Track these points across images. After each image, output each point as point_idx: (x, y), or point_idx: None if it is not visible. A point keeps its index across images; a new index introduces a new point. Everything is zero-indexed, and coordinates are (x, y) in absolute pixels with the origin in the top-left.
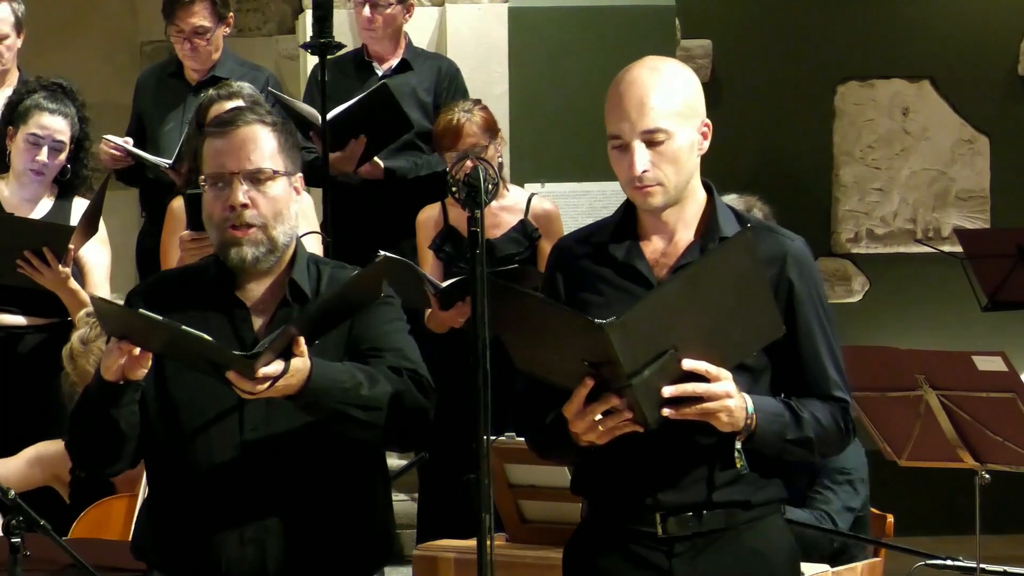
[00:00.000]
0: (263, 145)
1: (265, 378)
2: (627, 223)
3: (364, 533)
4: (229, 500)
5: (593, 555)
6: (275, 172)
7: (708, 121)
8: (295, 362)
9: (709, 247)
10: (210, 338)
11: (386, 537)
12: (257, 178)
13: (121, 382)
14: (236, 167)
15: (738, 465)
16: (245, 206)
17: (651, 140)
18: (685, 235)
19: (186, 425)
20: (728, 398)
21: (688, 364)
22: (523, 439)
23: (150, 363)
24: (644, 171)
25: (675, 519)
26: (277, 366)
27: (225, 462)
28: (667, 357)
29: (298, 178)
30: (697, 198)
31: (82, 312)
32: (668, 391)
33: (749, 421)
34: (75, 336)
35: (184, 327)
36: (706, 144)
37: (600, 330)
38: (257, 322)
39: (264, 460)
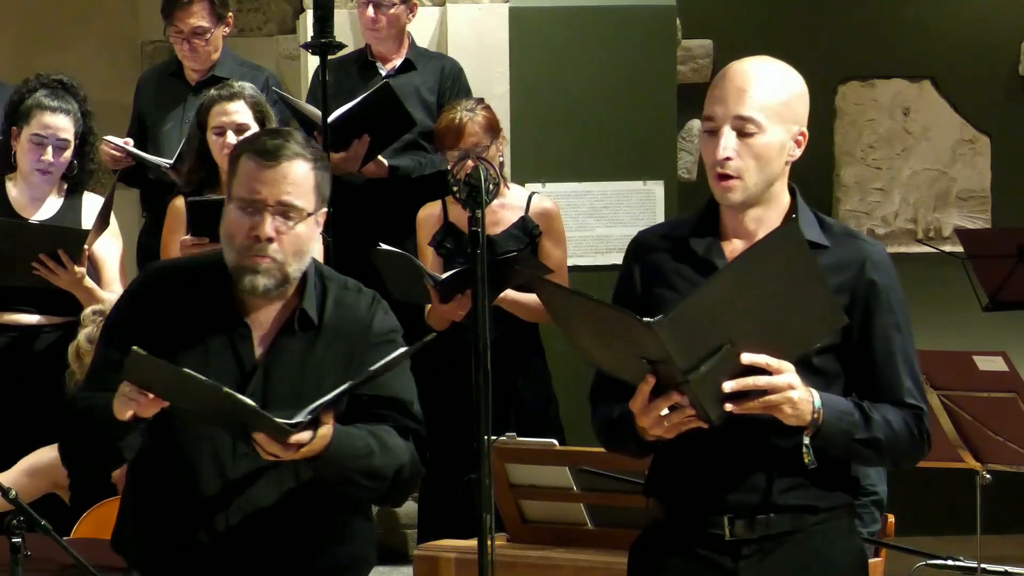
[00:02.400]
0: (301, 182)
1: (295, 444)
2: (709, 220)
3: (343, 546)
4: (218, 501)
5: (660, 556)
6: (306, 212)
7: (806, 132)
8: (322, 430)
9: None
10: (254, 404)
11: (365, 551)
12: (288, 215)
13: (132, 420)
14: (272, 199)
15: (806, 460)
16: (271, 240)
17: (741, 129)
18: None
19: (179, 426)
20: (791, 389)
21: (747, 358)
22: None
23: (163, 405)
24: (727, 157)
25: (742, 522)
26: (307, 434)
27: (218, 463)
28: (724, 352)
29: (322, 213)
30: (781, 203)
31: (88, 310)
32: (728, 386)
33: (816, 415)
34: (82, 334)
35: (228, 390)
36: (798, 152)
37: (649, 329)
38: (256, 343)
39: (256, 463)
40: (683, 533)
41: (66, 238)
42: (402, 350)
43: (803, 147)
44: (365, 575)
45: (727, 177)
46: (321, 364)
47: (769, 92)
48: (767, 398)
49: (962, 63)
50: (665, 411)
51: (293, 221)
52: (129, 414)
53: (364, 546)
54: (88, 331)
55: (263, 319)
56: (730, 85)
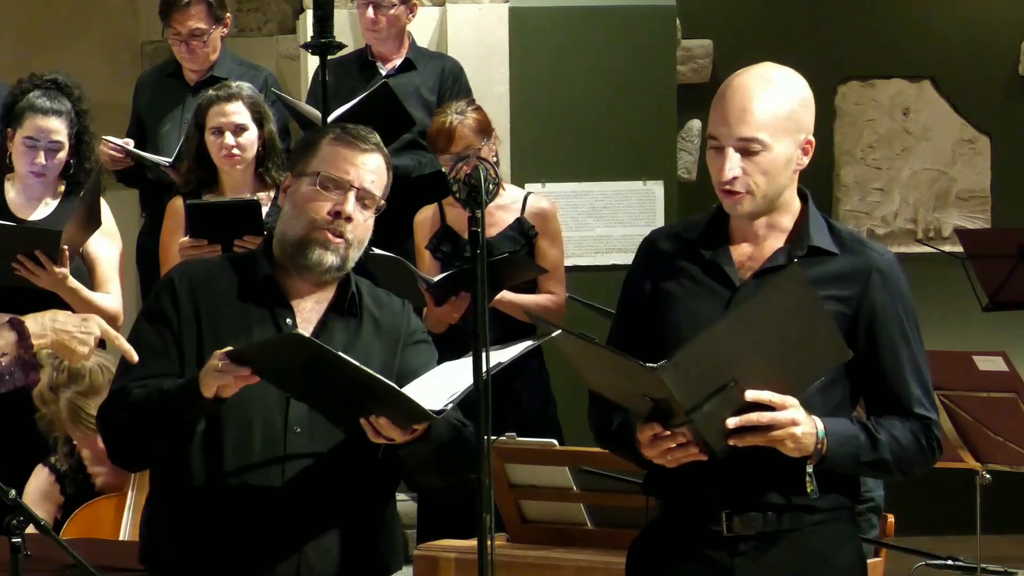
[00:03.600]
0: (383, 176)
1: (414, 429)
2: (718, 223)
3: (376, 541)
4: (266, 506)
5: (657, 553)
6: (380, 206)
7: (812, 139)
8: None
9: (796, 254)
10: (402, 390)
11: (395, 544)
12: (365, 203)
13: (215, 397)
14: (358, 182)
15: (808, 490)
16: (350, 219)
17: (746, 148)
18: (774, 242)
19: (228, 424)
20: (794, 425)
21: (751, 395)
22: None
23: (254, 382)
24: (734, 177)
25: (740, 518)
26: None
27: (265, 466)
28: (727, 390)
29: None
30: (791, 208)
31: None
32: (732, 422)
33: (820, 446)
34: (43, 381)
35: (381, 378)
36: (805, 160)
37: (652, 373)
38: (301, 325)
39: (303, 465)
40: (681, 530)
41: (41, 238)
42: (529, 342)
43: (811, 154)
44: (394, 569)
45: (734, 192)
46: (368, 351)
47: (773, 108)
48: (770, 434)
49: (962, 63)
50: (672, 445)
51: (368, 210)
52: (215, 388)
53: (394, 553)
54: (49, 377)
55: (306, 305)
56: (732, 105)
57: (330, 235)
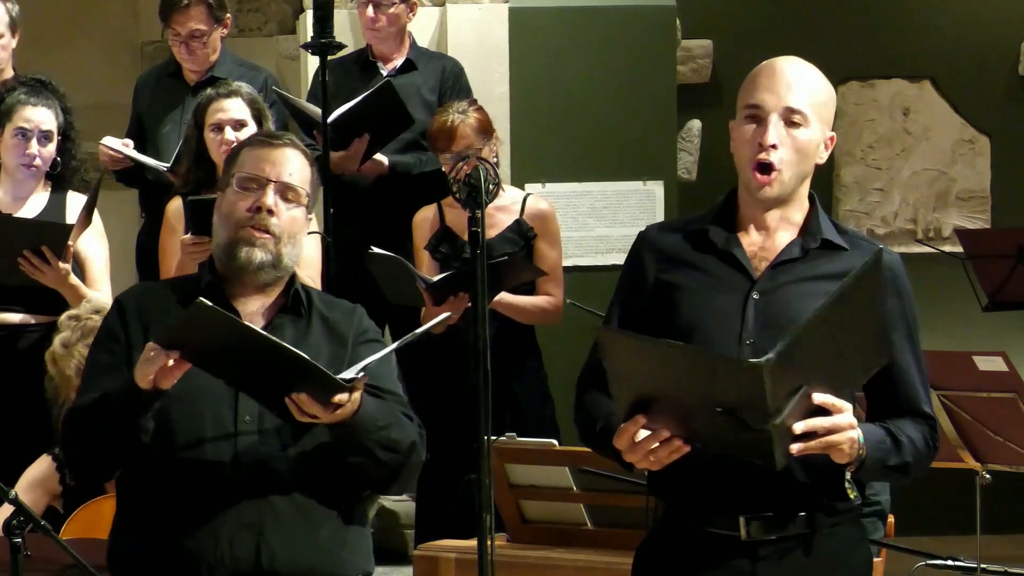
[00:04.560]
0: (302, 169)
1: (336, 404)
2: (727, 214)
3: (344, 535)
4: (222, 495)
5: (671, 558)
6: (304, 195)
7: (834, 136)
8: (355, 395)
9: (810, 246)
10: (311, 359)
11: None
12: (287, 195)
13: (152, 389)
14: (275, 176)
15: (851, 496)
16: (271, 212)
17: (789, 119)
18: (784, 235)
19: (178, 420)
20: (852, 429)
21: (819, 398)
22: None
23: (186, 369)
24: (773, 145)
25: (759, 522)
26: (346, 395)
27: (219, 457)
28: (801, 394)
29: (310, 218)
30: (803, 204)
31: (64, 315)
32: (799, 427)
33: (861, 451)
34: (57, 340)
35: (288, 346)
36: (825, 155)
37: (754, 369)
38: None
39: (256, 453)
40: (693, 535)
41: (49, 233)
42: (421, 329)
43: (830, 150)
44: (368, 570)
45: (767, 169)
46: (315, 349)
47: (814, 90)
48: (829, 438)
49: (962, 63)
50: (655, 445)
51: (292, 204)
52: (150, 378)
53: (362, 554)
54: (64, 336)
55: (251, 308)
56: (779, 77)
57: (254, 231)
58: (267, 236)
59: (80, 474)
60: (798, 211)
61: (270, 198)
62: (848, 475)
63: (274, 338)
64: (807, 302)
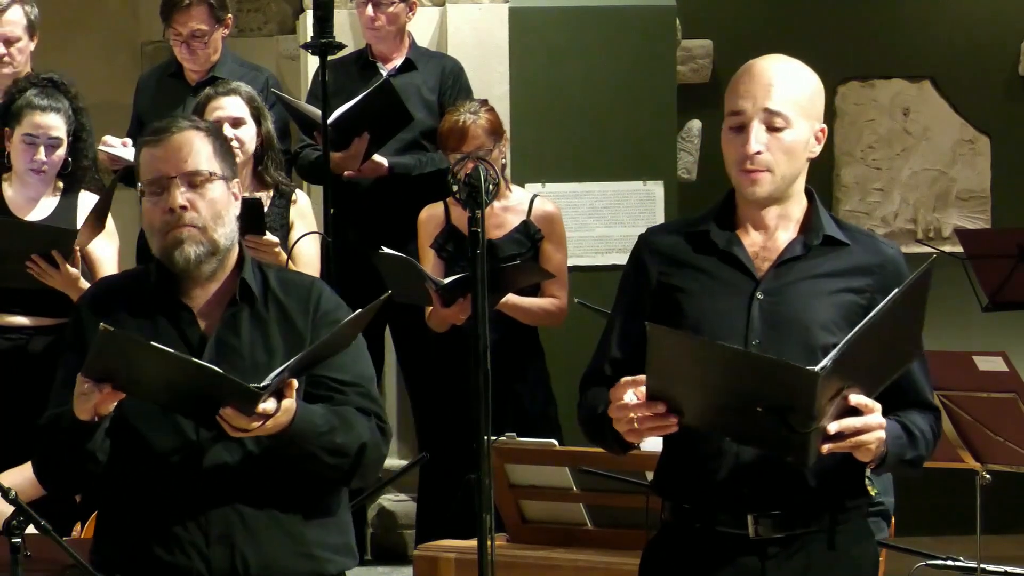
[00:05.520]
0: (199, 149)
1: (262, 415)
2: (726, 214)
3: (322, 537)
4: (188, 500)
5: (679, 558)
6: (212, 174)
7: (825, 127)
8: (285, 403)
9: (812, 243)
10: (220, 370)
11: (348, 539)
12: (195, 181)
13: (96, 419)
14: (174, 170)
15: (872, 492)
16: (184, 208)
17: (771, 123)
18: (785, 233)
19: (139, 429)
20: (880, 429)
21: (855, 399)
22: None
23: (121, 397)
24: (758, 152)
25: (768, 520)
26: (272, 404)
27: (180, 462)
28: (841, 395)
29: (235, 183)
30: (801, 200)
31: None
32: (833, 427)
33: (883, 448)
34: None
35: (197, 360)
36: (818, 149)
37: (812, 378)
38: (203, 324)
39: (219, 459)
40: (701, 534)
41: (57, 237)
42: (358, 312)
43: (822, 142)
44: (350, 564)
45: (755, 170)
46: (272, 337)
47: (795, 87)
48: (860, 438)
49: (962, 63)
50: (639, 414)
51: (202, 187)
52: (89, 411)
53: (346, 535)
54: None
55: (203, 300)
56: (758, 80)
57: (176, 230)
58: (192, 229)
59: (48, 488)
60: (796, 207)
61: (178, 197)
62: (868, 471)
63: (179, 353)
64: (812, 300)
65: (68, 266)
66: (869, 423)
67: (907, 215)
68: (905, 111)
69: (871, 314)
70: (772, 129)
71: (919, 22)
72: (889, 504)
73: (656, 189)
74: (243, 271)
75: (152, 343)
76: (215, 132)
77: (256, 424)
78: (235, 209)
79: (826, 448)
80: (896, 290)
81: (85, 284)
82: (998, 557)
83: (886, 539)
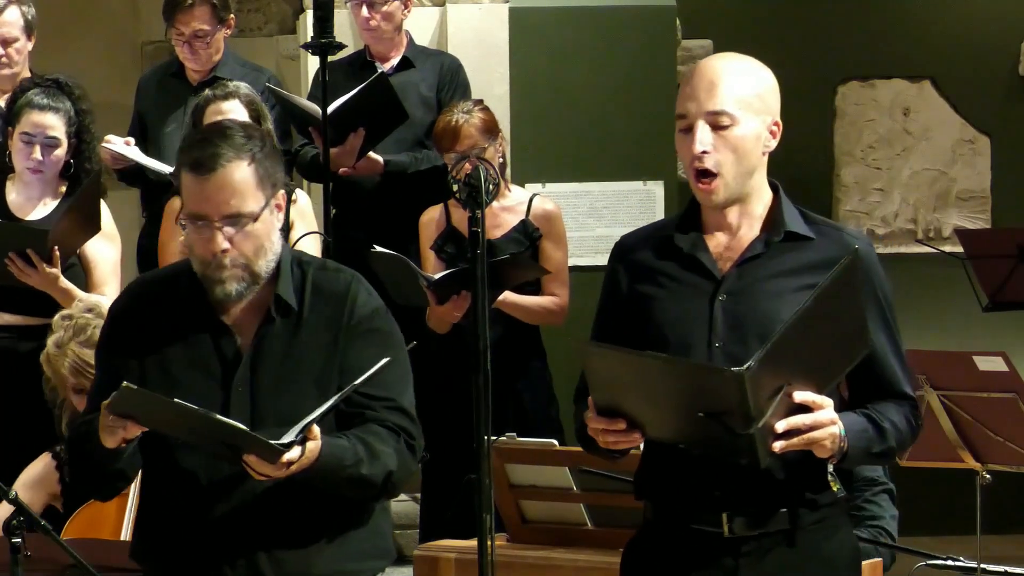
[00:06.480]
0: (241, 188)
1: (288, 463)
2: (692, 217)
3: (357, 537)
4: (222, 502)
5: (656, 556)
6: (256, 214)
7: (779, 121)
8: (310, 446)
9: (774, 240)
10: (244, 427)
11: (382, 541)
12: (236, 223)
13: (123, 445)
14: (215, 213)
15: (835, 488)
16: (225, 251)
17: (716, 123)
18: (749, 231)
19: (168, 442)
20: (833, 425)
21: (800, 396)
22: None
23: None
24: (704, 151)
25: (741, 519)
26: (296, 452)
27: (212, 476)
28: (782, 394)
29: (280, 195)
30: (763, 197)
31: (57, 316)
32: (780, 426)
33: (843, 444)
34: (51, 340)
35: (220, 417)
36: (773, 143)
37: (735, 377)
38: (239, 339)
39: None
40: (677, 533)
41: (27, 236)
42: (383, 361)
43: (778, 137)
44: (383, 565)
45: (706, 175)
46: (306, 350)
47: (740, 85)
48: (811, 435)
49: (962, 63)
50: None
51: (244, 226)
52: (116, 441)
53: (381, 537)
54: (57, 336)
55: (241, 313)
56: (701, 81)
57: (217, 271)
58: (234, 269)
59: (80, 492)
60: (758, 204)
61: (219, 241)
62: (831, 467)
63: (201, 410)
64: (774, 299)
65: (45, 266)
66: (819, 419)
67: (907, 215)
68: (905, 111)
69: (796, 310)
70: (718, 128)
71: (919, 22)
72: (885, 472)
73: (656, 189)
74: (279, 284)
75: (175, 400)
76: (258, 152)
77: (280, 472)
78: (278, 224)
79: (778, 447)
80: (819, 283)
81: (66, 284)
82: (998, 557)
83: (895, 516)
